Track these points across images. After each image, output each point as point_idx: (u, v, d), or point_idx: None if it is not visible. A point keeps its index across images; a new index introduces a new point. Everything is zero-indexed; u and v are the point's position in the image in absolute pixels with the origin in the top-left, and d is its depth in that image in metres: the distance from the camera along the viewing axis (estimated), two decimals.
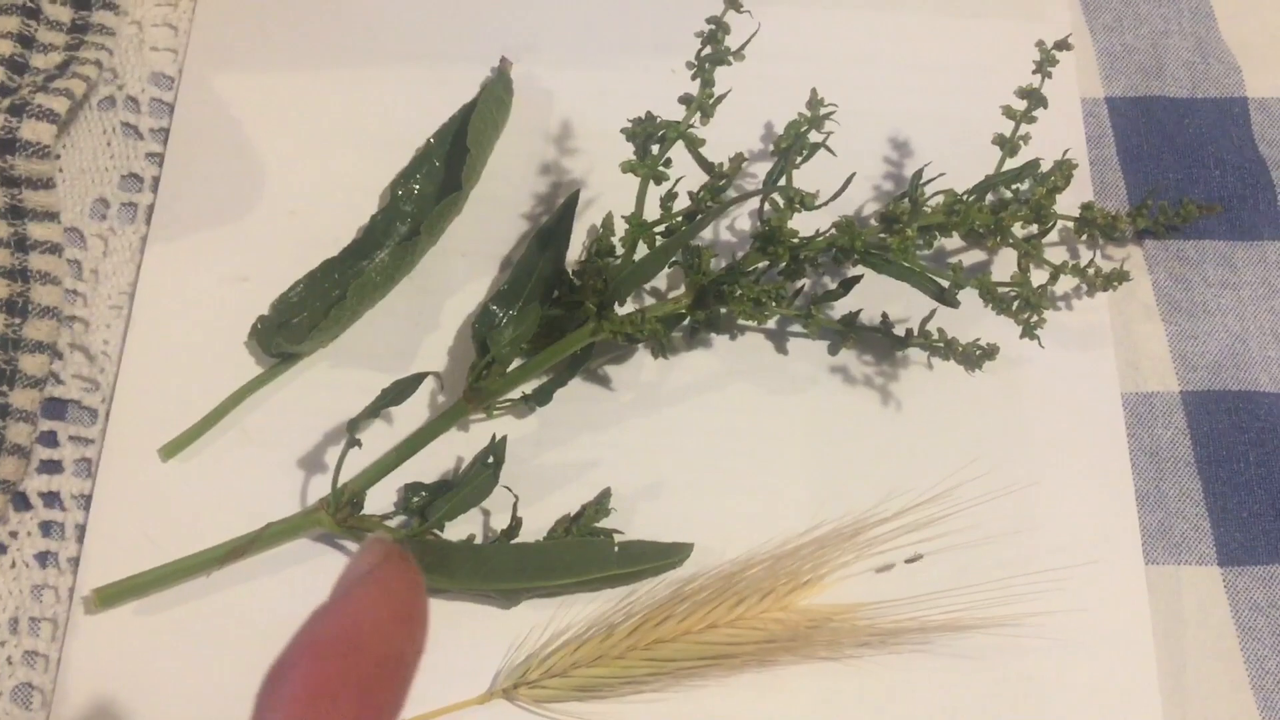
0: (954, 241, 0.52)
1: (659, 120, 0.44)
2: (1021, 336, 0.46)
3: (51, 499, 0.46)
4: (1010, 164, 0.49)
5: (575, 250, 0.50)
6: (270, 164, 0.52)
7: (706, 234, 0.52)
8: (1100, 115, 0.56)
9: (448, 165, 0.51)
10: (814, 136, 0.47)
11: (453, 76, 0.54)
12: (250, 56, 0.54)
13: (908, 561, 0.45)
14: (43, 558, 0.45)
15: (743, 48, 0.44)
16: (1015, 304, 0.46)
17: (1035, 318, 0.46)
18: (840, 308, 0.49)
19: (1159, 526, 0.48)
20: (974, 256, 0.52)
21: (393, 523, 0.45)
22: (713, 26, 0.44)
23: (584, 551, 0.44)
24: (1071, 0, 0.58)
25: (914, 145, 0.54)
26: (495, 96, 0.52)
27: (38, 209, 0.47)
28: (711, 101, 0.44)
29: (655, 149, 0.44)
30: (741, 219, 0.52)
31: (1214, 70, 0.57)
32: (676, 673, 0.43)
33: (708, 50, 0.44)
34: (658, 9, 0.56)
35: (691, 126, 0.44)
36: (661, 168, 0.44)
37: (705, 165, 0.46)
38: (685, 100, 0.44)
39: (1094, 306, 0.51)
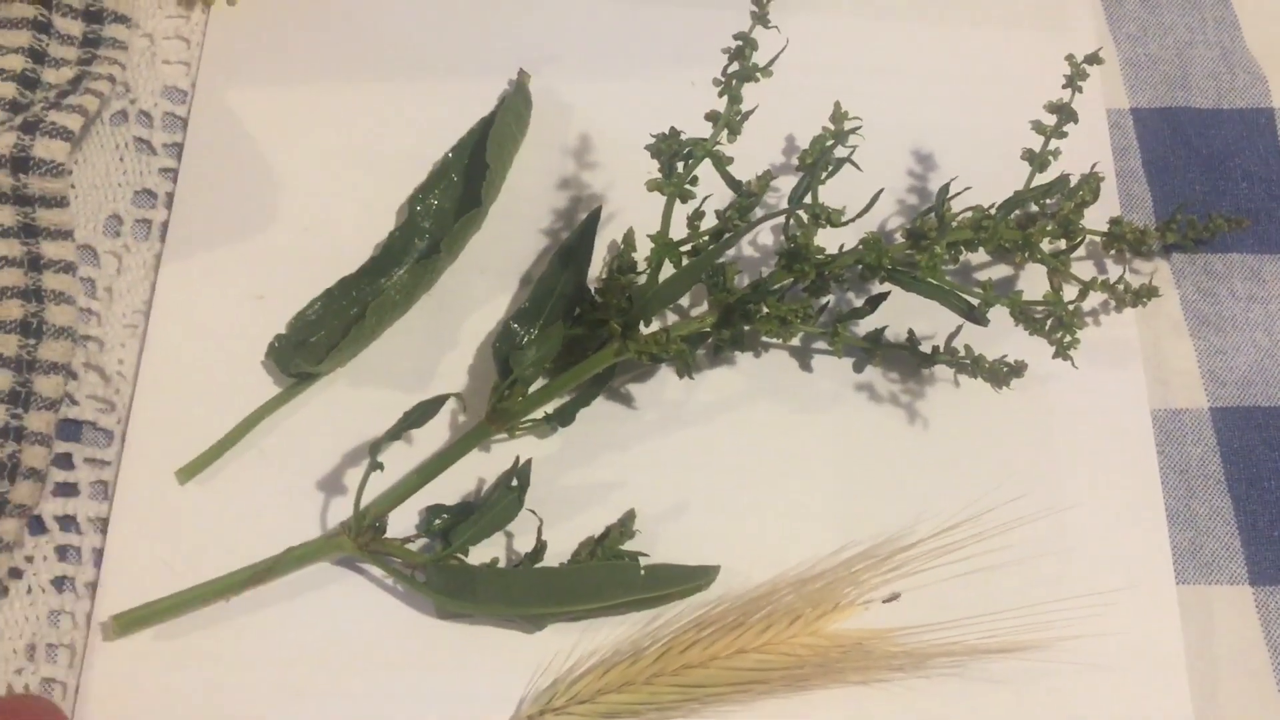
0: (979, 256, 0.51)
1: (685, 137, 0.44)
2: (1055, 356, 0.45)
3: (68, 523, 0.45)
4: (1039, 178, 0.48)
5: (597, 265, 0.50)
6: (285, 179, 0.51)
7: (730, 250, 0.51)
8: (1125, 126, 0.55)
9: (466, 180, 0.50)
10: (839, 151, 0.46)
11: (470, 90, 0.53)
12: (264, 69, 0.53)
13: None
14: (59, 583, 0.45)
15: (771, 63, 0.43)
16: (1048, 323, 0.45)
17: (1069, 337, 0.45)
18: (865, 325, 0.48)
19: (1189, 545, 0.47)
20: (998, 270, 0.52)
21: (415, 546, 0.45)
22: (740, 43, 0.43)
23: (610, 576, 0.44)
24: (1096, 10, 0.57)
25: (938, 158, 0.53)
26: (514, 110, 0.51)
27: (51, 227, 0.47)
28: (739, 119, 0.43)
29: (681, 167, 0.44)
30: (765, 234, 0.52)
31: (1239, 81, 0.56)
32: (704, 699, 0.43)
33: (735, 67, 0.43)
34: (675, 21, 0.56)
35: (719, 144, 0.44)
36: (688, 186, 0.44)
37: (733, 184, 0.45)
38: (712, 117, 0.44)
39: (1122, 322, 0.51)
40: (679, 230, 0.45)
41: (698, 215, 0.45)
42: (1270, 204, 0.54)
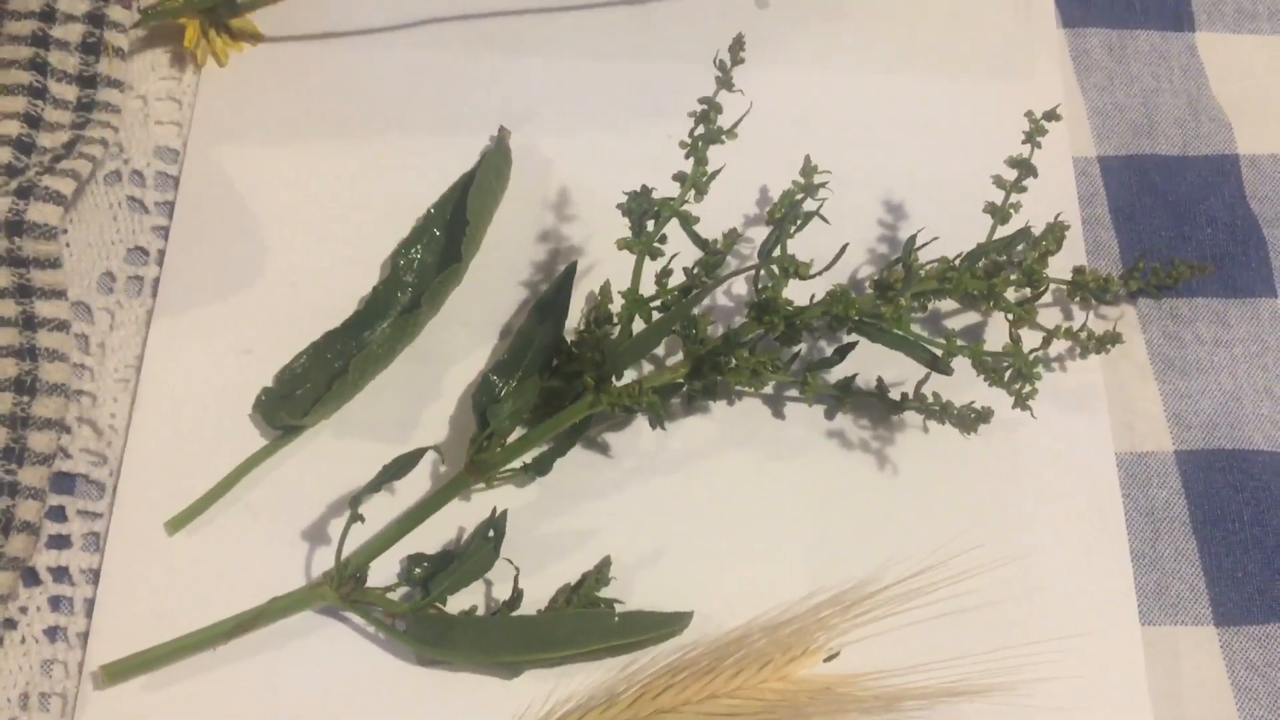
0: (948, 303, 0.53)
1: (654, 196, 0.45)
2: (1014, 407, 0.47)
3: (61, 574, 0.47)
4: (1002, 230, 0.49)
5: (575, 317, 0.51)
6: (273, 235, 0.53)
7: (704, 301, 0.52)
8: (1093, 174, 0.56)
9: (448, 235, 0.52)
10: (808, 204, 0.48)
11: (452, 146, 0.54)
12: (253, 128, 0.55)
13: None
14: (52, 633, 0.46)
15: (734, 126, 0.45)
16: (1007, 374, 0.46)
17: (1028, 388, 0.46)
18: (836, 373, 0.50)
19: (1155, 587, 0.48)
20: (969, 318, 0.53)
21: (395, 595, 0.46)
22: (704, 107, 0.44)
23: (585, 623, 0.45)
24: (1063, 59, 0.59)
25: (907, 207, 0.55)
26: (494, 166, 0.53)
27: (45, 287, 0.48)
28: (705, 180, 0.45)
29: (650, 225, 0.45)
30: (738, 283, 0.53)
31: (1205, 128, 0.57)
32: None
33: (700, 130, 0.45)
34: (654, 74, 0.57)
35: (686, 203, 0.45)
36: (657, 244, 0.45)
37: (699, 243, 0.46)
38: (679, 178, 0.45)
39: (1088, 367, 0.52)
40: (650, 286, 0.46)
41: (665, 273, 0.47)
42: (1235, 249, 0.55)
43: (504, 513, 0.46)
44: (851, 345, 0.49)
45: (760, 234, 0.50)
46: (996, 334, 0.52)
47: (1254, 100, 0.58)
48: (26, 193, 0.48)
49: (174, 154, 0.54)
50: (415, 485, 0.48)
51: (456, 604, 0.46)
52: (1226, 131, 0.57)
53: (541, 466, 0.48)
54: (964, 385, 0.49)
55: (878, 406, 0.50)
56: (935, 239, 0.50)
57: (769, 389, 0.51)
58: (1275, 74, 0.59)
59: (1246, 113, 0.58)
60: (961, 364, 0.48)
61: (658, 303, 0.46)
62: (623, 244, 0.45)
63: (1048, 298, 0.53)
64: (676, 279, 0.47)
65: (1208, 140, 0.57)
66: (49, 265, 0.48)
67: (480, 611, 0.46)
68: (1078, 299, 0.52)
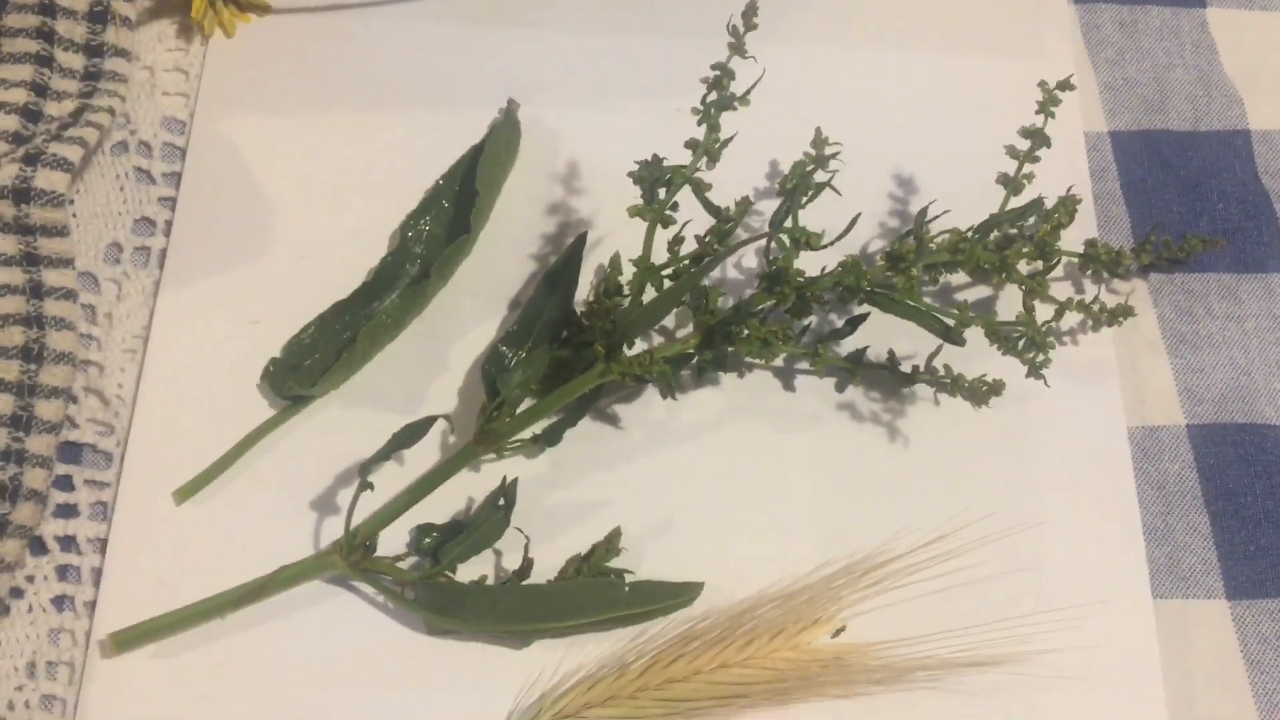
0: (959, 277, 0.52)
1: (665, 164, 0.45)
2: (1027, 376, 0.46)
3: (68, 543, 0.46)
4: (1015, 202, 0.49)
5: (584, 289, 0.51)
6: (281, 207, 0.53)
7: (714, 273, 0.52)
8: (1104, 149, 0.56)
9: (457, 207, 0.52)
10: (819, 176, 0.47)
11: (461, 118, 0.54)
12: (260, 100, 0.55)
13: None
14: (59, 602, 0.46)
15: (748, 93, 0.45)
16: (1021, 343, 0.46)
17: (1041, 357, 0.46)
18: (847, 345, 0.49)
19: (1167, 560, 0.48)
20: (980, 291, 0.53)
21: (405, 564, 0.46)
22: (717, 73, 0.44)
23: (595, 592, 0.45)
24: (1074, 35, 0.59)
25: (919, 182, 0.55)
26: (503, 138, 0.53)
27: (52, 256, 0.48)
28: (717, 146, 0.44)
29: (662, 193, 0.45)
30: (749, 256, 0.53)
31: (1216, 103, 0.57)
32: (688, 712, 0.43)
33: (713, 96, 0.44)
34: (662, 50, 0.57)
35: (698, 170, 0.45)
36: (669, 212, 0.45)
37: (712, 209, 0.46)
38: (691, 145, 0.45)
39: (1099, 341, 0.51)
40: (661, 255, 0.46)
41: (678, 240, 0.46)
42: (1247, 224, 0.55)
43: (514, 481, 0.46)
44: (863, 317, 0.49)
45: (772, 208, 0.50)
46: (1008, 309, 0.51)
47: (1265, 75, 0.58)
48: (34, 160, 0.47)
49: (181, 125, 0.54)
50: (424, 456, 0.48)
51: (466, 574, 0.46)
52: (1238, 106, 0.57)
53: (551, 437, 0.48)
54: (976, 358, 0.49)
55: (889, 379, 0.50)
56: (947, 211, 0.50)
57: (779, 361, 0.50)
58: None
59: (1258, 88, 0.58)
60: (973, 338, 0.48)
61: (669, 271, 0.46)
62: (634, 211, 0.45)
63: (1059, 272, 0.53)
64: (688, 247, 0.47)
65: (1219, 115, 0.57)
66: (56, 233, 0.48)
67: (490, 581, 0.46)
68: (1089, 273, 0.52)
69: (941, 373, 0.49)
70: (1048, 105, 0.48)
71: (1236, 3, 0.60)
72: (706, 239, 0.46)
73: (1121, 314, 0.50)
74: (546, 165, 0.54)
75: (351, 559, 0.45)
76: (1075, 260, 0.52)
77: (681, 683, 0.43)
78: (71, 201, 0.51)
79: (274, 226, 0.52)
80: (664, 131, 0.48)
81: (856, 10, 0.59)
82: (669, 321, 0.51)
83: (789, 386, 0.50)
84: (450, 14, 0.57)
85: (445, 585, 0.45)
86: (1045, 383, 0.47)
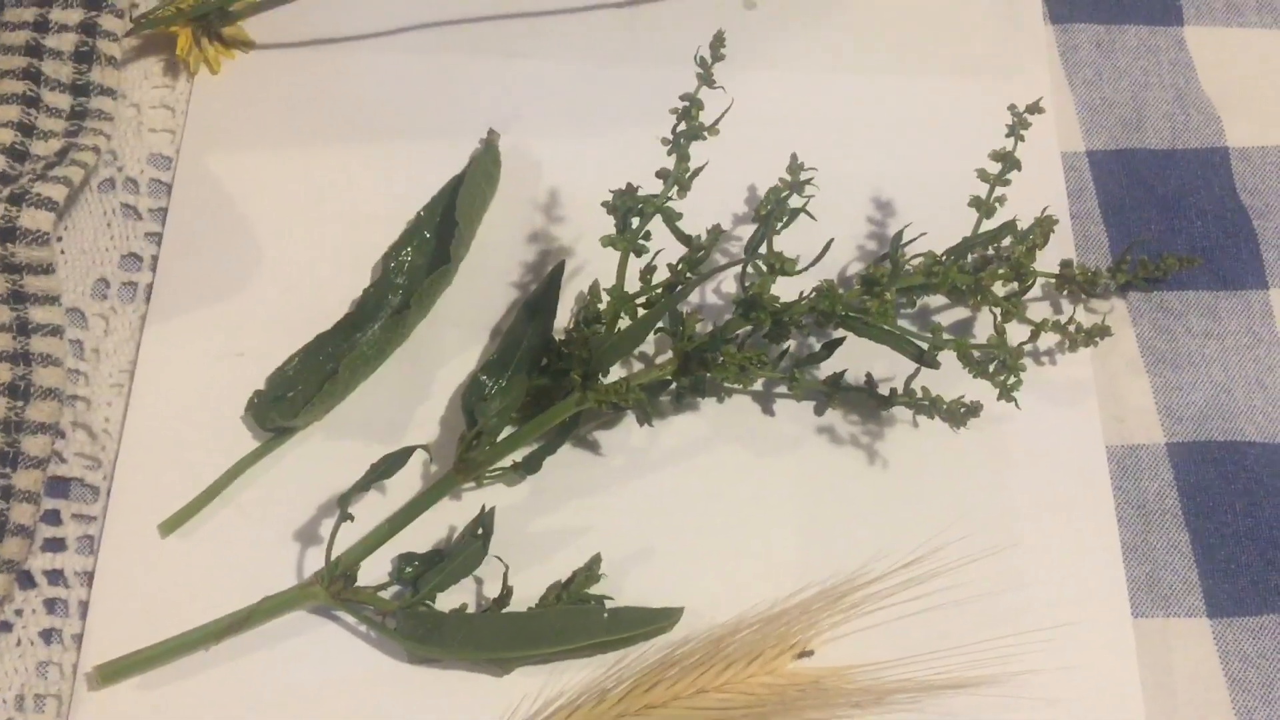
0: (937, 298, 0.53)
1: (638, 193, 0.45)
2: (999, 399, 0.47)
3: (55, 576, 0.47)
4: (988, 224, 0.49)
5: (564, 317, 0.51)
6: (265, 240, 0.53)
7: (691, 298, 0.53)
8: (1081, 168, 0.56)
9: (438, 237, 0.52)
10: (794, 201, 0.48)
11: (442, 149, 0.55)
12: (245, 135, 0.56)
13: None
14: (47, 635, 0.46)
15: (717, 123, 0.45)
16: (992, 366, 0.46)
17: (1012, 379, 0.46)
18: (825, 368, 0.50)
19: (1147, 579, 0.48)
20: (959, 312, 0.53)
21: (387, 593, 0.46)
22: (686, 103, 0.45)
23: (574, 619, 0.45)
24: (1051, 55, 0.59)
25: (896, 205, 0.55)
26: (483, 169, 0.53)
27: (39, 293, 0.49)
28: (688, 176, 0.45)
29: (635, 222, 0.45)
30: (727, 281, 0.53)
31: (1194, 121, 0.57)
32: None
33: (682, 126, 0.45)
34: (644, 78, 0.57)
35: (669, 200, 0.45)
36: (641, 241, 0.45)
37: (683, 238, 0.47)
38: (662, 174, 0.45)
39: (1077, 361, 0.52)
40: (636, 282, 0.47)
41: (649, 270, 0.47)
42: (1225, 241, 0.55)
43: (492, 510, 0.46)
44: (840, 340, 0.49)
45: (749, 233, 0.50)
46: (986, 330, 0.52)
47: (1243, 93, 0.58)
48: (19, 199, 0.48)
49: (167, 161, 0.55)
50: (405, 485, 0.48)
51: (447, 602, 0.46)
52: (1216, 124, 0.57)
53: (531, 465, 0.48)
54: (954, 380, 0.49)
55: (867, 402, 0.50)
56: (923, 234, 0.50)
57: (758, 386, 0.51)
58: (1264, 66, 0.59)
59: (1236, 105, 0.58)
60: (950, 360, 0.48)
61: (643, 299, 0.46)
62: (606, 241, 0.45)
63: (1038, 293, 0.53)
64: (661, 275, 0.47)
65: (1197, 133, 0.57)
66: (42, 271, 0.49)
67: (471, 609, 0.46)
68: (1066, 293, 0.52)
69: (920, 395, 0.49)
70: (1018, 128, 0.48)
71: (1214, 20, 0.60)
72: (679, 267, 0.47)
73: (1098, 334, 0.50)
74: (527, 194, 0.55)
75: (333, 589, 0.45)
76: (1053, 281, 0.52)
77: (660, 708, 0.44)
78: (59, 238, 0.52)
79: (258, 260, 0.53)
80: (645, 160, 0.48)
81: (833, 34, 0.59)
82: (649, 348, 0.52)
83: (768, 410, 0.51)
84: (431, 46, 0.58)
85: (426, 614, 0.45)
86: (1016, 405, 0.47)
